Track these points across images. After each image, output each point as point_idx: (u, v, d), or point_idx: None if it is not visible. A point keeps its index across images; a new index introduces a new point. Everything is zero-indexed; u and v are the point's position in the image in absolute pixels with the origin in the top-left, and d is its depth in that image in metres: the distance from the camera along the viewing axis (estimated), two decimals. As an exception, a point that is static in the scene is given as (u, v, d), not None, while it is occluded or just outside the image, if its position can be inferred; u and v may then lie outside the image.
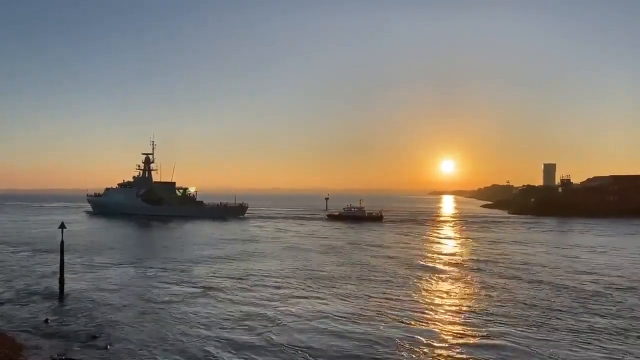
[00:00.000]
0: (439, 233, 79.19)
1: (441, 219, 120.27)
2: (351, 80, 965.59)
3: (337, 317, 25.10)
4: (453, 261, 46.45)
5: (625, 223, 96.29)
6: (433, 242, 65.12)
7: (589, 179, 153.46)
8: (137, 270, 39.63)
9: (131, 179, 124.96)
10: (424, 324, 24.20)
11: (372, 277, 36.86)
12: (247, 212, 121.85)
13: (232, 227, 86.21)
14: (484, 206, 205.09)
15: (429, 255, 50.96)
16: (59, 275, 30.81)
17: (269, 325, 23.87)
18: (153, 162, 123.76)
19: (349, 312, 26.12)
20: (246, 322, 24.29)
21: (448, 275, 38.59)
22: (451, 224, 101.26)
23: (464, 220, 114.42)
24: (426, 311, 26.69)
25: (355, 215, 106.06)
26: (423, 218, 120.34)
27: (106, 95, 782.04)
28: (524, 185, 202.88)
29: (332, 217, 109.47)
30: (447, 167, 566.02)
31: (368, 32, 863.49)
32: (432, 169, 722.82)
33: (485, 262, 45.05)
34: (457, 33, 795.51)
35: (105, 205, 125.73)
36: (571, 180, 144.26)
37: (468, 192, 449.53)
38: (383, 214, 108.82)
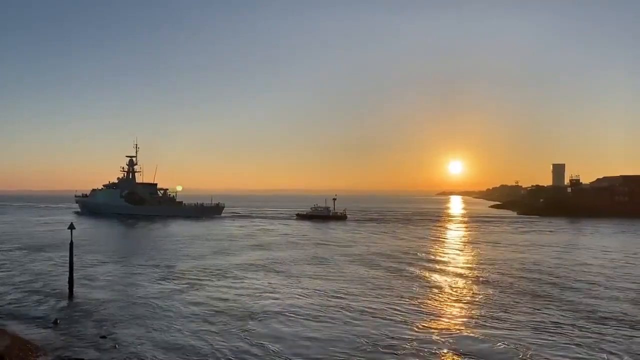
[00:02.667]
0: (392, 230, 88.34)
1: (428, 219, 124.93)
2: (358, 81, 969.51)
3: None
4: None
5: (635, 223, 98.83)
6: (381, 237, 75.12)
7: (598, 179, 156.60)
8: (133, 269, 43.05)
9: (116, 180, 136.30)
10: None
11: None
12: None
13: (205, 226, 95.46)
14: (493, 206, 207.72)
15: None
16: (68, 275, 32.89)
17: (252, 315, 27.73)
18: (136, 164, 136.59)
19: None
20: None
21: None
22: (429, 224, 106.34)
23: (448, 220, 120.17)
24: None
25: (321, 215, 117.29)
26: (398, 218, 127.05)
27: (102, 97, 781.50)
28: (532, 186, 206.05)
29: (300, 217, 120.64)
30: (456, 168, 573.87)
31: (373, 33, 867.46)
32: (441, 169, 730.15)
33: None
34: (464, 33, 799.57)
35: (91, 205, 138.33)
36: (580, 181, 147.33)
37: (477, 192, 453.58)
38: (347, 214, 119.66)
